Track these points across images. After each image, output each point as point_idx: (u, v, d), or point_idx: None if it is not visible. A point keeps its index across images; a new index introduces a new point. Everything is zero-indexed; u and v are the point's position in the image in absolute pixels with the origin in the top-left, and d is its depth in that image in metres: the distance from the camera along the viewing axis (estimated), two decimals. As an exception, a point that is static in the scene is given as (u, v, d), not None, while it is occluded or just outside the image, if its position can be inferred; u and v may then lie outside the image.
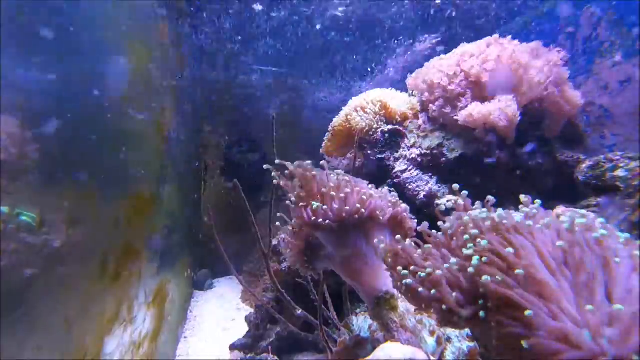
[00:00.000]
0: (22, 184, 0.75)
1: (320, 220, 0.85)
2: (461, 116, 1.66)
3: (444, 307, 0.59)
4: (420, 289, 0.64)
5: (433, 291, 0.62)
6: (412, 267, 0.69)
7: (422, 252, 0.70)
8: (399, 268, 0.70)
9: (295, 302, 1.37)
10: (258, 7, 2.86)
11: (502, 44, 1.67)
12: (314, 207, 0.86)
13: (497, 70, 1.63)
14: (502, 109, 1.56)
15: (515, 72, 1.61)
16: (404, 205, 0.97)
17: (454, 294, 0.59)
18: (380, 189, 0.99)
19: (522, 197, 0.69)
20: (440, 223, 0.74)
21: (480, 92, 1.68)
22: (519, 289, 0.51)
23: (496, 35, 1.75)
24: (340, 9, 3.07)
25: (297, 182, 0.92)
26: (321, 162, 0.96)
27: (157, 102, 1.79)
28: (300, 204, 0.90)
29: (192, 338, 2.17)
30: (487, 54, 1.66)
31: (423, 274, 0.65)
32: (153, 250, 1.64)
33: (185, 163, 2.51)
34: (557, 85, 1.69)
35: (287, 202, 0.93)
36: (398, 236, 0.75)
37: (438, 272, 0.63)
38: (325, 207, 0.86)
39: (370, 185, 0.99)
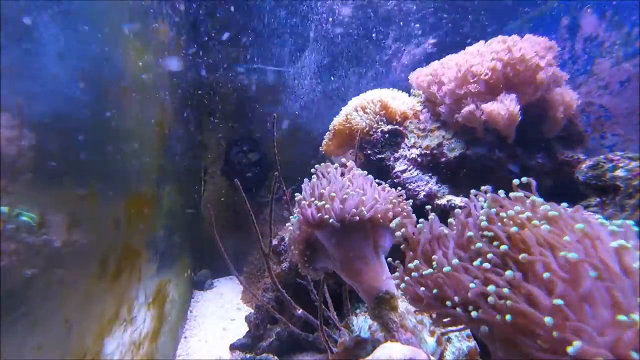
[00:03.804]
0: (22, 184, 0.75)
1: (326, 216, 0.85)
2: (462, 114, 1.66)
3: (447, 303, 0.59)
4: (420, 291, 0.64)
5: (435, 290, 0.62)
6: (415, 262, 0.68)
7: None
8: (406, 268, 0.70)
9: (295, 302, 1.37)
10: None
11: (504, 44, 1.67)
12: (318, 205, 0.87)
13: (499, 70, 1.62)
14: (503, 109, 1.56)
15: (516, 72, 1.61)
16: (405, 205, 0.96)
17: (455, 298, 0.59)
18: (384, 187, 0.99)
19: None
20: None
21: (481, 91, 1.68)
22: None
23: (501, 37, 1.75)
24: (341, 9, 3.07)
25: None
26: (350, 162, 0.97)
27: (156, 102, 1.79)
28: (304, 202, 0.90)
29: (192, 338, 2.17)
30: (489, 54, 1.66)
31: (426, 272, 0.65)
32: (153, 250, 1.64)
33: (185, 163, 2.51)
34: (556, 85, 1.69)
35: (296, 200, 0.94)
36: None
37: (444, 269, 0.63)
38: (328, 207, 0.86)
39: (377, 182, 0.99)
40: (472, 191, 0.76)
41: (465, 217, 0.70)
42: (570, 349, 0.45)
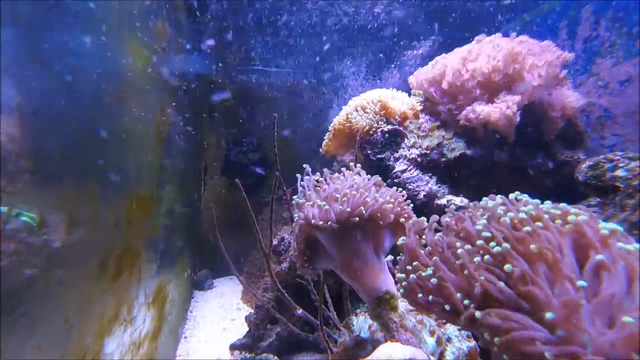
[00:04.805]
0: (22, 184, 0.75)
1: (321, 222, 0.85)
2: (462, 116, 1.66)
3: (446, 307, 0.59)
4: (420, 294, 0.64)
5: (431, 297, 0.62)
6: (414, 263, 0.68)
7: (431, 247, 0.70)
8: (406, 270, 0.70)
9: (296, 302, 1.37)
10: None
11: (505, 43, 1.67)
12: (318, 205, 0.87)
13: (499, 70, 1.62)
14: (502, 109, 1.56)
15: (516, 72, 1.61)
16: (405, 206, 0.96)
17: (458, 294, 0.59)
18: (383, 187, 0.99)
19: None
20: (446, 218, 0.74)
21: (481, 91, 1.68)
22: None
23: (498, 34, 1.75)
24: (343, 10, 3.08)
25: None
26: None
27: (156, 102, 1.79)
28: (306, 204, 0.91)
29: (192, 338, 2.17)
30: (489, 54, 1.66)
31: (425, 273, 0.65)
32: (153, 250, 1.64)
33: (185, 163, 2.51)
34: (557, 85, 1.69)
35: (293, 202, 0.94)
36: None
37: (441, 272, 0.63)
38: (327, 207, 0.86)
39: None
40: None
41: (458, 223, 0.71)
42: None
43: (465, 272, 0.59)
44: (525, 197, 0.69)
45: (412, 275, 0.68)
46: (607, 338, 0.45)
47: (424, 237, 0.76)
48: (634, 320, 0.44)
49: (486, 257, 0.59)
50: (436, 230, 0.76)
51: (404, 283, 0.68)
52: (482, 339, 0.55)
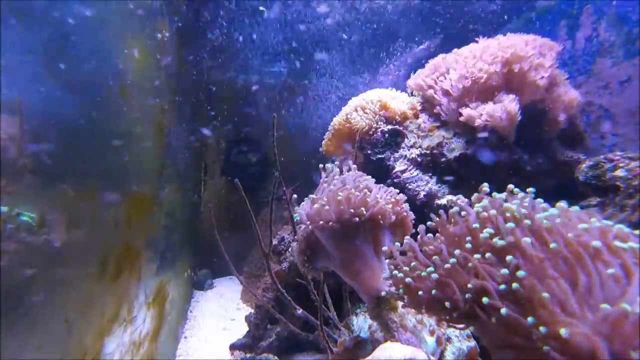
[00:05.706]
0: (22, 184, 0.75)
1: (322, 222, 0.85)
2: (463, 116, 1.66)
3: (446, 304, 0.60)
4: (420, 292, 0.64)
5: (434, 291, 0.62)
6: (412, 264, 0.69)
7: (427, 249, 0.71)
8: (399, 273, 0.70)
9: (296, 302, 1.37)
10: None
11: (508, 42, 1.66)
12: (319, 205, 0.87)
13: (499, 70, 1.62)
14: (503, 109, 1.56)
15: (520, 72, 1.61)
16: (405, 205, 0.96)
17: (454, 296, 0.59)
18: (381, 186, 0.99)
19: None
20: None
21: (481, 91, 1.68)
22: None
23: (499, 36, 1.75)
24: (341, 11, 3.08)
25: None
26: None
27: (156, 102, 1.79)
28: (307, 203, 0.91)
29: (192, 338, 2.17)
30: (493, 53, 1.66)
31: (424, 273, 0.65)
32: (153, 250, 1.64)
33: (185, 163, 2.51)
34: (556, 85, 1.69)
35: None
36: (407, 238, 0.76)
37: (442, 268, 0.63)
38: (328, 207, 0.86)
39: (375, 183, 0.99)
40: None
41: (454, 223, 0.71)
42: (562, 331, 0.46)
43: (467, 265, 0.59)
44: (517, 191, 0.69)
45: (408, 279, 0.68)
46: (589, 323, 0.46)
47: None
48: (611, 308, 0.45)
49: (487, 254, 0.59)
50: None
51: (406, 280, 0.68)
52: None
